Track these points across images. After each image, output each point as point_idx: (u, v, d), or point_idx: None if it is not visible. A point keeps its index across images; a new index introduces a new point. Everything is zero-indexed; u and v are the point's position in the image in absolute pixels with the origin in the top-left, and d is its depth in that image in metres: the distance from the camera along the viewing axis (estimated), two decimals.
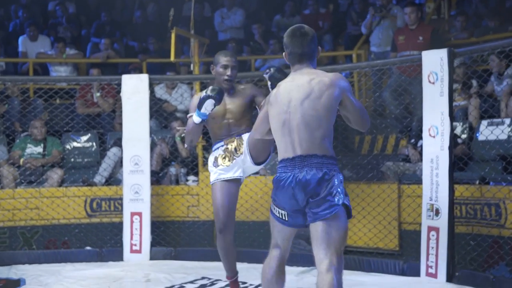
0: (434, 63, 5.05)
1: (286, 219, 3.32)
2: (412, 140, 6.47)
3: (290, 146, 3.23)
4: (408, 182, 5.97)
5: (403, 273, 5.32)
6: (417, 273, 5.15)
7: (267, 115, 3.38)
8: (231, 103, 4.35)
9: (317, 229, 3.19)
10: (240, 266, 5.89)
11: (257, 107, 4.44)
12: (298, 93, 3.23)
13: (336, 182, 3.18)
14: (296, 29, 3.31)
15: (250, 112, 4.43)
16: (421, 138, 5.64)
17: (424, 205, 5.12)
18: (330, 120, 3.22)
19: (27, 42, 9.06)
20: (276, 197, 3.30)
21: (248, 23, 9.80)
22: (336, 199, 3.17)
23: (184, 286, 5.06)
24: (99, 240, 6.54)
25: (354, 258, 5.65)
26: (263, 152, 4.26)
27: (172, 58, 6.60)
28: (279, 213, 3.33)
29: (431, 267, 5.02)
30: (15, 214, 6.52)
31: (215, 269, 5.68)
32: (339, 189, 3.18)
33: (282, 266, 3.50)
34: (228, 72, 4.32)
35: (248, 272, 5.61)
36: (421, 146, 5.69)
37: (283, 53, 3.38)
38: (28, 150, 7.05)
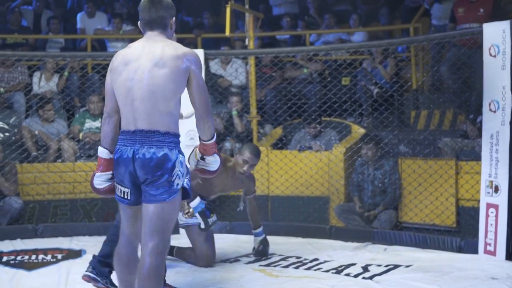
0: (496, 35, 4.89)
1: (129, 197, 3.13)
2: (471, 116, 6.32)
3: (132, 117, 3.06)
4: (466, 159, 5.85)
5: (460, 250, 5.23)
6: (474, 251, 5.06)
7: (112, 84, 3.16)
8: (228, 184, 4.95)
9: (149, 210, 3.06)
10: (294, 240, 5.93)
11: (243, 192, 5.09)
12: (146, 60, 3.06)
13: (176, 164, 3.04)
14: None
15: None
16: (480, 113, 5.51)
17: (483, 182, 5.01)
18: (176, 94, 3.07)
19: (85, 18, 9.21)
20: (118, 173, 3.12)
21: None
22: (175, 184, 3.05)
23: (239, 260, 5.11)
24: None
25: (410, 234, 5.59)
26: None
27: (227, 33, 6.60)
28: (121, 191, 3.15)
29: (489, 244, 4.93)
30: (75, 187, 6.70)
31: (271, 243, 5.71)
32: (179, 172, 3.05)
33: (132, 255, 3.22)
34: (245, 168, 4.81)
35: (302, 246, 5.63)
36: (480, 121, 5.55)
37: (138, 22, 3.27)
38: (86, 125, 7.21)
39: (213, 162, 3.32)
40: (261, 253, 5.14)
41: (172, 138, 3.06)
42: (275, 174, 6.60)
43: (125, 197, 3.15)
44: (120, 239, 3.25)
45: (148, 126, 3.04)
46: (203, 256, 4.85)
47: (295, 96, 7.23)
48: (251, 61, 6.90)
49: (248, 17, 6.78)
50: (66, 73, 7.84)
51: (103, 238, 6.10)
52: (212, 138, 3.24)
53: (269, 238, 5.90)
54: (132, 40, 9.25)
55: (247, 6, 6.84)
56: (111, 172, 3.18)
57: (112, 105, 3.18)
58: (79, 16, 9.28)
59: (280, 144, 6.90)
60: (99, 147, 3.19)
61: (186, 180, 3.13)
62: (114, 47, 8.84)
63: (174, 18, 3.26)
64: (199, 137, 3.25)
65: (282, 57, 7.72)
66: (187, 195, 3.17)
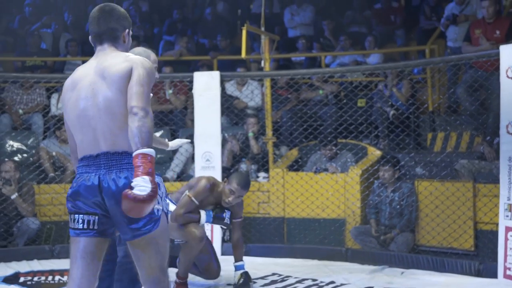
0: None
1: (95, 227, 2.67)
2: (488, 138, 6.28)
3: (92, 140, 2.66)
4: (484, 181, 5.80)
5: (479, 274, 5.18)
6: (494, 275, 5.00)
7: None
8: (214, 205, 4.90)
9: (139, 246, 2.66)
10: (310, 263, 5.90)
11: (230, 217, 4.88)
12: (95, 75, 2.70)
13: None
14: (97, 7, 2.85)
15: None
16: (497, 135, 5.47)
17: (501, 205, 4.97)
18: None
19: None
20: (78, 202, 2.67)
21: (317, 19, 9.75)
22: (155, 211, 2.63)
23: (255, 282, 5.09)
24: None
25: (427, 258, 5.54)
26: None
27: (243, 55, 6.64)
28: (84, 221, 2.66)
29: (509, 268, 4.87)
30: None
31: (286, 266, 5.70)
32: (158, 196, 2.55)
33: None
34: (231, 198, 4.71)
35: (319, 269, 5.60)
36: (498, 143, 5.51)
37: (89, 37, 2.89)
38: None
39: (141, 184, 2.47)
40: (242, 285, 4.81)
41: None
42: (291, 196, 6.59)
43: (90, 227, 2.67)
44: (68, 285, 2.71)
45: (113, 147, 2.63)
46: (209, 270, 4.87)
47: (311, 118, 7.24)
48: (267, 83, 6.93)
49: (263, 39, 6.82)
50: None
51: None
52: (142, 147, 2.52)
53: (285, 260, 5.88)
54: None
55: (262, 29, 6.88)
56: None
57: (72, 138, 2.82)
58: None
59: (296, 166, 6.90)
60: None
61: (164, 203, 2.72)
62: None
63: (127, 30, 2.89)
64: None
65: (297, 79, 7.74)
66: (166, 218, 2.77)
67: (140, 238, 2.66)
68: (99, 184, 2.62)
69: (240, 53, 6.69)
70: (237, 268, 4.88)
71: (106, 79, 2.68)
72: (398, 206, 6.05)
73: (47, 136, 7.51)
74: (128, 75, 2.66)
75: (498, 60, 5.06)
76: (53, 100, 7.85)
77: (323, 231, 6.44)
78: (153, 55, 3.76)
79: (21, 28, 9.83)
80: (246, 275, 4.86)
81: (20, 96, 7.78)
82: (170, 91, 7.89)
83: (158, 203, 2.64)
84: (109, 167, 2.63)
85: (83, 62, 9.30)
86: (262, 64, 6.91)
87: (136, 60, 2.71)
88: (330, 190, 6.44)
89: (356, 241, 6.17)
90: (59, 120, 7.23)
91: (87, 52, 9.57)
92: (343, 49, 8.81)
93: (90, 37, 2.88)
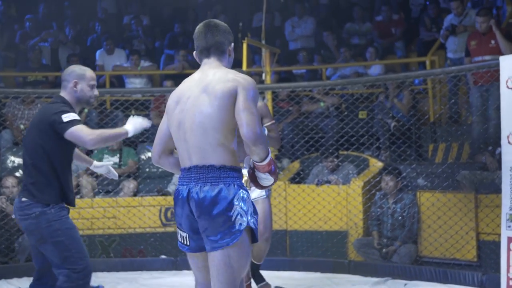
0: None
1: (188, 243, 2.83)
2: (490, 148, 6.28)
3: (186, 153, 2.79)
4: (486, 192, 5.79)
5: (482, 285, 5.16)
6: (497, 286, 4.97)
7: (165, 123, 2.93)
8: None
9: (214, 259, 2.73)
10: (313, 275, 5.88)
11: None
12: (196, 88, 2.81)
13: (236, 202, 2.70)
14: (203, 23, 2.94)
15: None
16: (499, 145, 5.47)
17: (503, 215, 4.94)
18: (227, 123, 2.73)
19: (104, 55, 9.35)
20: (176, 215, 2.85)
21: (318, 31, 9.78)
22: (237, 225, 2.70)
23: None
24: (173, 249, 6.64)
25: (430, 269, 5.52)
26: None
27: (244, 68, 6.66)
28: (181, 236, 2.85)
29: None
30: (93, 223, 6.72)
31: (288, 279, 5.69)
32: (240, 209, 2.69)
33: None
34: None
35: (321, 282, 5.58)
36: (499, 153, 5.51)
37: (193, 52, 2.99)
38: (105, 161, 7.24)
39: (263, 179, 2.82)
40: None
41: (229, 172, 2.73)
42: (293, 209, 6.58)
43: (185, 242, 2.85)
44: None
45: (202, 161, 2.75)
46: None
47: (312, 130, 7.24)
48: (268, 95, 6.94)
49: (264, 52, 6.84)
50: (85, 110, 7.93)
51: (121, 274, 6.15)
52: (263, 160, 2.76)
53: (288, 273, 5.87)
54: (150, 76, 9.45)
55: (263, 42, 6.91)
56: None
57: (160, 149, 2.94)
58: (98, 53, 9.42)
59: (298, 178, 6.89)
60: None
61: (252, 219, 2.76)
62: (132, 83, 8.96)
63: (232, 44, 2.98)
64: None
65: (298, 91, 7.76)
66: (254, 237, 2.79)
67: (215, 252, 2.73)
68: (187, 196, 2.77)
69: (241, 66, 6.71)
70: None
71: (208, 94, 2.77)
72: (400, 218, 6.04)
73: None
74: (232, 95, 2.74)
75: (497, 71, 5.06)
76: None
77: (325, 243, 6.42)
78: (88, 72, 3.75)
79: (22, 43, 9.88)
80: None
81: (21, 112, 7.80)
82: None
83: (242, 216, 2.71)
84: (196, 180, 2.75)
85: None
86: (263, 77, 6.93)
87: (241, 81, 2.78)
88: (332, 202, 6.43)
89: (359, 253, 6.15)
90: None
91: (88, 66, 9.62)
92: (344, 61, 8.83)
93: (195, 52, 2.96)
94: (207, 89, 2.77)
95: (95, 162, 4.13)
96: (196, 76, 2.91)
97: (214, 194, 2.71)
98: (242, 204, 2.72)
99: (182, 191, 2.80)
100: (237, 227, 2.70)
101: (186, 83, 2.93)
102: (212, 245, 2.73)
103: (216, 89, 2.75)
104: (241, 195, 2.73)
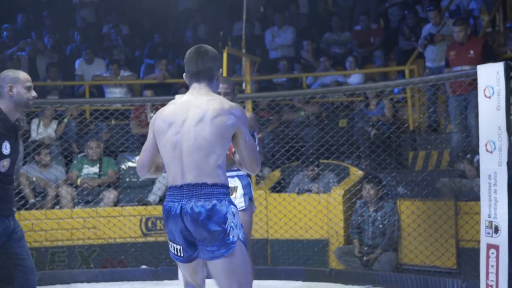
0: (490, 77, 4.94)
1: (182, 254, 3.04)
2: (468, 156, 6.34)
3: (180, 172, 2.99)
4: (465, 199, 5.84)
5: None
6: None
7: (153, 141, 3.11)
8: None
9: (217, 267, 2.98)
10: (294, 284, 5.88)
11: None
12: (194, 114, 3.01)
13: (229, 216, 2.94)
14: (194, 48, 3.14)
15: None
16: (477, 152, 5.52)
17: (482, 223, 4.99)
18: (223, 148, 3.01)
19: (83, 65, 9.30)
20: (169, 230, 3.04)
21: (299, 41, 9.83)
22: (231, 237, 2.94)
23: None
24: (154, 259, 6.61)
25: (411, 276, 5.55)
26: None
27: None
28: (174, 248, 3.05)
29: (491, 286, 4.88)
30: (73, 233, 6.66)
31: None
32: (232, 224, 2.95)
33: None
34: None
35: None
36: (478, 161, 5.56)
37: (183, 74, 3.19)
38: (84, 171, 7.21)
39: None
40: None
41: (220, 189, 2.97)
42: (274, 218, 6.58)
43: (178, 254, 3.04)
44: None
45: (195, 179, 2.96)
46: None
47: (293, 139, 7.26)
48: (248, 105, 6.95)
49: (245, 61, 6.86)
50: (65, 120, 7.87)
51: (101, 285, 6.09)
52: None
53: (269, 282, 5.86)
54: (130, 86, 9.40)
55: (243, 51, 6.92)
56: None
57: (150, 164, 3.13)
58: (77, 62, 9.37)
59: (279, 187, 6.90)
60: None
61: (240, 232, 2.99)
62: (112, 93, 8.92)
63: (221, 70, 3.21)
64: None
65: (279, 100, 7.78)
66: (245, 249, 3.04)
67: (216, 261, 2.96)
68: (180, 212, 2.96)
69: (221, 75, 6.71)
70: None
71: (207, 124, 2.98)
72: (380, 226, 6.07)
73: (27, 162, 7.44)
74: (232, 129, 3.01)
75: (474, 80, 5.12)
76: (33, 126, 7.80)
77: (306, 252, 6.43)
78: (22, 75, 3.67)
79: (0, 53, 9.79)
80: None
81: None
82: (152, 114, 7.88)
83: (233, 229, 2.95)
84: (189, 196, 2.95)
85: (64, 86, 9.29)
86: (244, 86, 6.94)
87: (238, 115, 3.03)
88: (313, 211, 6.44)
89: (340, 261, 6.17)
90: (39, 146, 7.18)
91: (68, 76, 9.57)
92: (324, 70, 8.87)
93: (186, 75, 3.14)
94: (204, 119, 2.98)
95: None
96: (185, 98, 3.09)
97: (209, 208, 2.93)
98: (233, 219, 2.96)
99: (174, 208, 2.97)
100: (231, 239, 2.94)
101: (177, 105, 3.08)
102: (210, 255, 2.96)
103: (216, 122, 2.98)
104: (232, 210, 2.98)
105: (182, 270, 3.14)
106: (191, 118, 3.00)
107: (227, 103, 3.05)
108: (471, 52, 6.79)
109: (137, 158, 3.23)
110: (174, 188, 2.99)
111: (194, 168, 2.96)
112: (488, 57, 6.52)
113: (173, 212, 2.97)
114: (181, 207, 2.95)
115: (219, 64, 3.16)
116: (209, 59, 3.09)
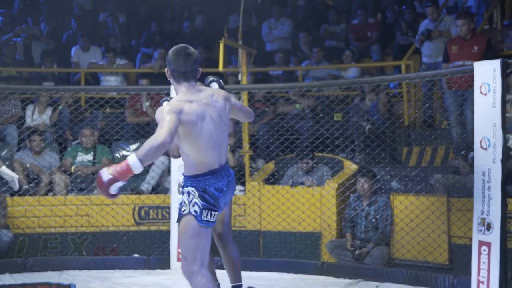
0: (487, 74, 4.95)
1: (214, 219, 3.60)
2: (463, 152, 6.35)
3: (217, 158, 3.57)
4: (458, 196, 5.85)
5: None
6: None
7: (177, 124, 3.42)
8: None
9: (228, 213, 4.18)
10: (286, 276, 5.89)
11: None
12: (214, 109, 3.56)
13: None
14: (180, 49, 3.56)
15: None
16: (471, 149, 5.53)
17: (475, 219, 5.01)
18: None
19: (80, 52, 9.26)
20: (216, 202, 3.56)
21: (295, 33, 9.81)
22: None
23: None
24: (146, 248, 6.61)
25: (402, 271, 5.57)
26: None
27: (220, 68, 6.66)
28: (212, 216, 3.55)
29: (482, 282, 4.91)
30: (66, 221, 6.65)
31: (261, 279, 5.69)
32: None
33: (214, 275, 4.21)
34: None
35: (294, 283, 5.59)
36: (472, 158, 5.58)
37: (165, 69, 3.62)
38: (79, 158, 7.20)
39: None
40: None
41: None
42: (267, 210, 6.59)
43: (212, 220, 3.56)
44: (204, 273, 3.60)
45: (224, 161, 3.64)
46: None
47: (288, 132, 7.26)
48: (244, 96, 6.94)
49: (241, 53, 6.84)
50: (60, 107, 7.85)
51: (93, 273, 6.10)
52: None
53: (261, 274, 5.87)
54: (125, 74, 9.36)
55: (240, 42, 6.91)
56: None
57: (175, 131, 3.40)
58: (73, 50, 9.33)
59: (272, 179, 6.90)
60: (138, 164, 3.42)
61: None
62: (108, 81, 8.89)
63: (200, 69, 3.63)
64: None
65: (274, 92, 7.78)
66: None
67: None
68: (227, 183, 3.67)
69: (217, 66, 6.71)
70: None
71: (221, 113, 3.62)
72: (373, 220, 6.09)
73: (21, 148, 7.42)
74: (230, 111, 3.75)
75: (471, 76, 5.12)
76: (28, 112, 7.78)
77: (299, 244, 6.44)
78: None
79: None
80: None
81: None
82: (147, 103, 7.87)
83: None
84: (227, 173, 3.68)
85: (59, 73, 9.25)
86: (240, 78, 6.93)
87: (228, 98, 3.74)
88: (306, 204, 6.45)
89: (332, 255, 6.18)
90: (34, 132, 7.16)
91: (63, 63, 9.54)
92: (316, 61, 8.85)
93: (171, 72, 3.58)
94: (222, 116, 3.60)
95: (3, 168, 4.10)
96: (202, 95, 3.56)
97: (233, 177, 3.73)
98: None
99: (224, 184, 3.59)
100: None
101: (201, 99, 3.52)
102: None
103: (226, 109, 3.66)
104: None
105: (206, 235, 3.52)
106: (215, 115, 3.54)
107: (221, 92, 3.69)
108: (475, 48, 6.76)
109: (132, 146, 3.41)
110: (214, 171, 3.55)
111: (225, 154, 3.63)
112: (490, 55, 6.48)
113: (224, 187, 3.57)
114: (228, 181, 3.62)
115: (199, 64, 3.62)
116: (196, 61, 3.56)
